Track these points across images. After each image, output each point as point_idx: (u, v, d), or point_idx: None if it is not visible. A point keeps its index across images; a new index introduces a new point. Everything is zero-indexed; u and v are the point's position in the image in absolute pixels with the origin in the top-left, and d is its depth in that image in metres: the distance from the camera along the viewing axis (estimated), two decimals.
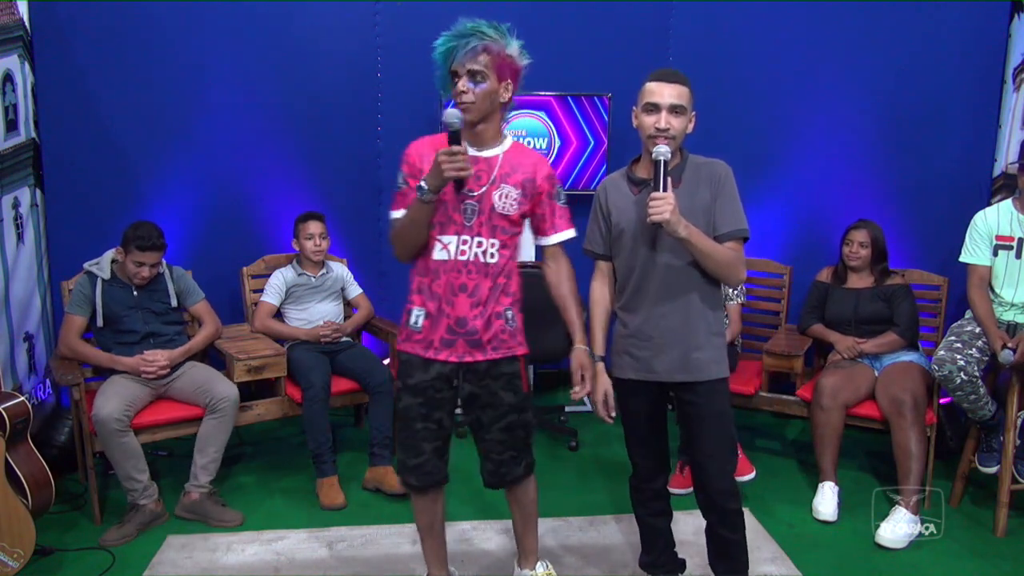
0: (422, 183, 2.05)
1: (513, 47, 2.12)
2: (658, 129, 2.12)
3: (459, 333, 2.18)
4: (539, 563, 2.54)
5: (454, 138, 2.03)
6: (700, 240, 2.10)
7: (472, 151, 2.15)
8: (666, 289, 2.19)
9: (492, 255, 2.17)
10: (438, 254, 2.16)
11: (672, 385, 2.26)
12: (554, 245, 2.29)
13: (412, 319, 2.22)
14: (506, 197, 2.16)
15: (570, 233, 2.30)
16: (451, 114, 2.03)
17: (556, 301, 2.32)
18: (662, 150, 2.10)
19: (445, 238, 2.15)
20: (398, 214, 2.19)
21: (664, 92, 2.16)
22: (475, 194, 2.14)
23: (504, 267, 2.20)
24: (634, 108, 2.22)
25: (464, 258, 2.16)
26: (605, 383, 2.29)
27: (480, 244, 2.16)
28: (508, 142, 2.21)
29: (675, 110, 2.15)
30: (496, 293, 2.20)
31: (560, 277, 2.31)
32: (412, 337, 2.23)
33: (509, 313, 2.23)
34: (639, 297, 2.23)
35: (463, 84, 2.06)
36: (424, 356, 2.21)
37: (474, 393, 2.25)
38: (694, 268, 2.17)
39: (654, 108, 2.15)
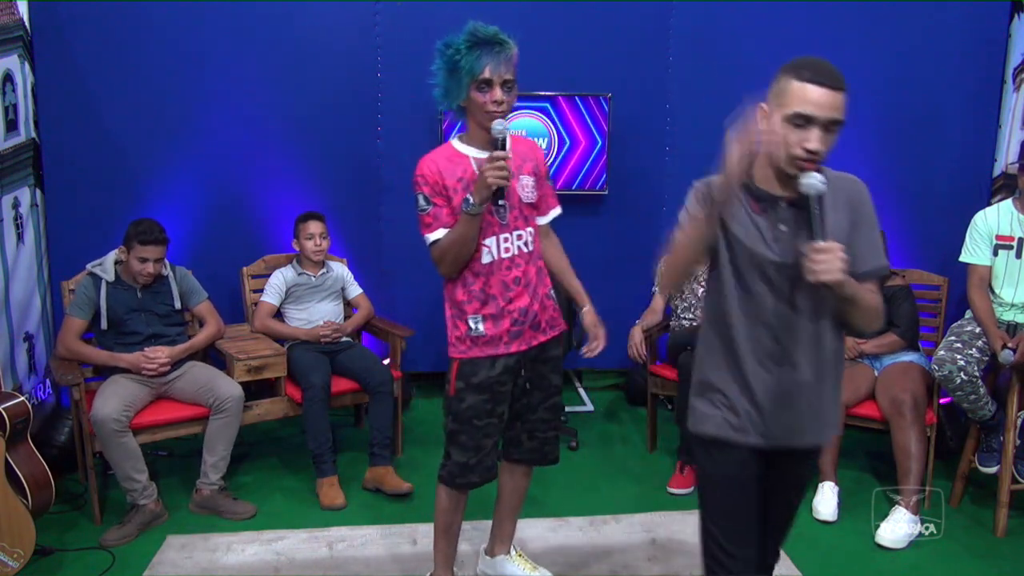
0: (469, 197, 2.08)
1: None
2: (808, 152, 1.63)
3: (524, 322, 2.24)
4: (512, 548, 2.62)
5: (500, 145, 2.06)
6: (855, 291, 1.66)
7: (485, 154, 2.12)
8: (796, 335, 1.73)
9: (529, 243, 2.25)
10: (484, 258, 2.19)
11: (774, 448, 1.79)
12: (550, 223, 2.38)
13: (472, 327, 2.22)
14: (526, 187, 2.23)
15: (559, 209, 2.39)
16: (500, 123, 2.06)
17: (557, 276, 2.42)
18: (817, 183, 1.62)
19: (487, 241, 2.18)
20: (437, 235, 2.16)
21: (825, 102, 1.65)
22: (503, 193, 2.16)
23: (539, 251, 2.31)
24: (763, 106, 1.69)
25: (509, 255, 2.21)
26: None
27: (520, 236, 2.22)
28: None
29: (832, 126, 1.67)
30: (541, 276, 2.30)
31: (559, 252, 2.44)
32: (479, 342, 2.23)
33: (552, 292, 2.34)
34: (757, 340, 1.74)
35: (500, 94, 2.07)
36: (492, 354, 2.23)
37: (531, 378, 2.33)
38: (828, 310, 1.74)
39: (805, 121, 1.63)
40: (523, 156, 2.24)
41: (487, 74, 2.05)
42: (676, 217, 2.80)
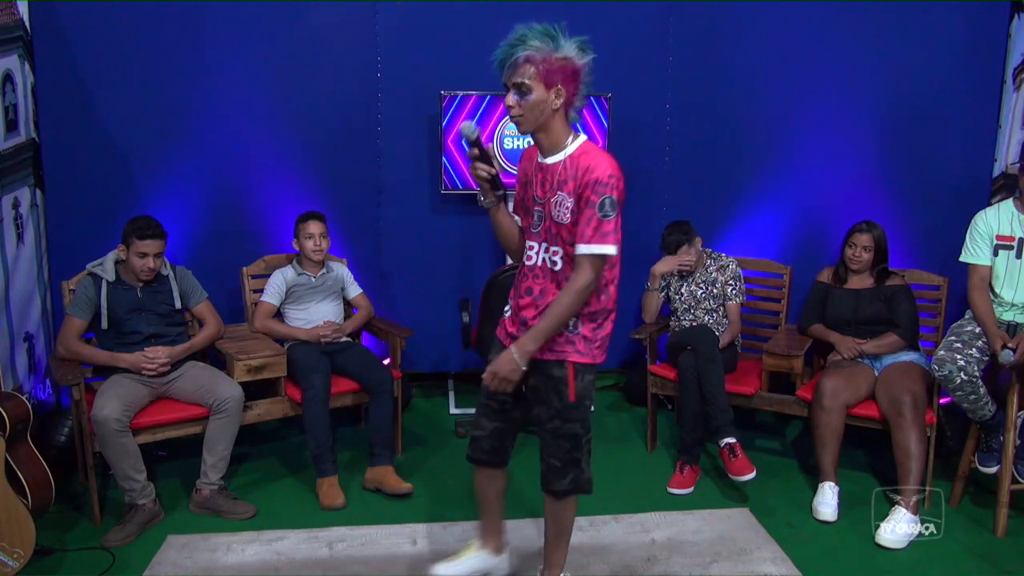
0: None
1: (565, 49, 2.07)
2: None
3: (523, 331, 2.22)
4: (562, 575, 2.51)
5: (475, 144, 2.15)
6: None
7: (540, 158, 2.18)
8: None
9: (555, 263, 2.17)
10: (525, 257, 2.26)
11: None
12: (578, 256, 2.10)
13: (506, 307, 2.36)
14: (559, 205, 2.12)
15: (597, 248, 2.06)
16: (465, 126, 2.15)
17: None
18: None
19: (528, 242, 2.25)
20: None
21: None
22: (541, 201, 2.17)
23: (572, 278, 2.13)
24: None
25: (531, 263, 2.23)
26: None
27: (547, 250, 2.18)
28: (573, 147, 2.13)
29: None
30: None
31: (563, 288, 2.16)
32: (502, 322, 2.37)
33: (571, 322, 2.17)
34: None
35: (510, 98, 2.09)
36: (502, 341, 2.32)
37: (534, 386, 2.28)
38: None
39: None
40: (573, 174, 2.09)
41: (503, 79, 2.10)
42: (675, 217, 2.93)
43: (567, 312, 2.13)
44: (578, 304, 2.13)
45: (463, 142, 2.16)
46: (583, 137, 2.17)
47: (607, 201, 2.05)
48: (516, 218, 2.34)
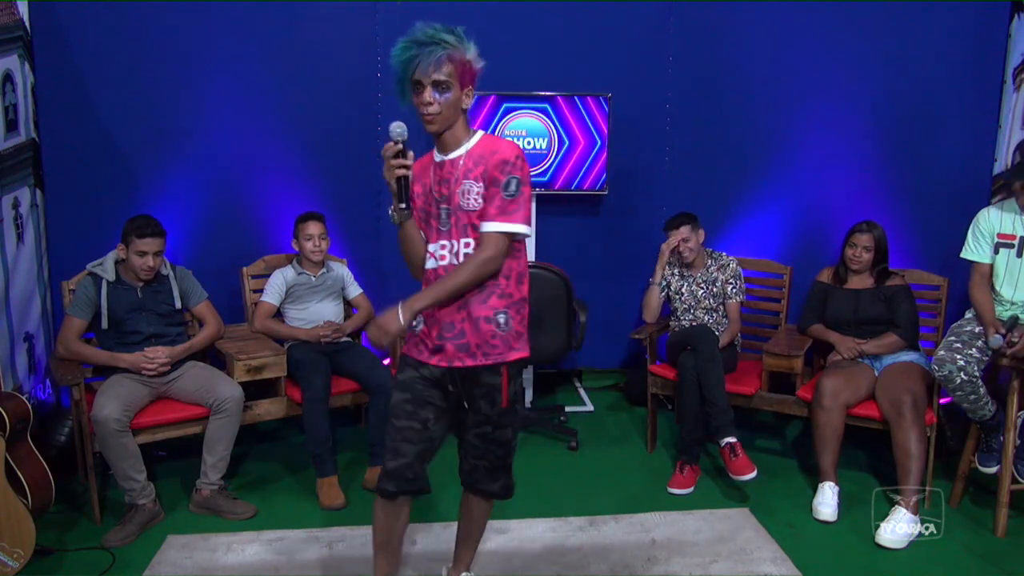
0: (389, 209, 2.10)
1: (471, 51, 2.05)
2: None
3: (447, 338, 2.12)
4: (465, 574, 2.49)
5: (403, 146, 2.08)
6: None
7: (439, 157, 2.14)
8: None
9: (470, 254, 2.10)
10: (428, 263, 2.16)
11: None
12: (482, 234, 2.07)
13: (415, 322, 2.16)
14: (468, 193, 2.08)
15: (500, 226, 2.05)
16: (396, 127, 2.07)
17: None
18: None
19: (431, 246, 2.16)
20: None
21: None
22: (445, 197, 2.11)
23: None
24: None
25: (445, 263, 2.12)
26: None
27: (456, 246, 2.11)
28: (474, 139, 2.12)
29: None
30: (483, 294, 2.10)
31: (464, 261, 2.10)
32: (411, 339, 2.20)
33: (501, 318, 2.12)
34: None
35: (429, 95, 2.02)
36: (418, 358, 2.17)
37: (458, 395, 2.19)
38: None
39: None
40: (478, 160, 2.08)
41: (416, 75, 2.01)
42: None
43: (465, 282, 2.07)
44: (476, 277, 2.07)
45: (391, 141, 2.11)
46: (481, 131, 2.16)
47: (513, 181, 2.05)
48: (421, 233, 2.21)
